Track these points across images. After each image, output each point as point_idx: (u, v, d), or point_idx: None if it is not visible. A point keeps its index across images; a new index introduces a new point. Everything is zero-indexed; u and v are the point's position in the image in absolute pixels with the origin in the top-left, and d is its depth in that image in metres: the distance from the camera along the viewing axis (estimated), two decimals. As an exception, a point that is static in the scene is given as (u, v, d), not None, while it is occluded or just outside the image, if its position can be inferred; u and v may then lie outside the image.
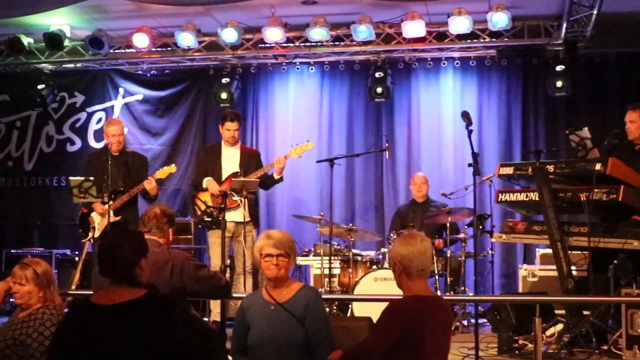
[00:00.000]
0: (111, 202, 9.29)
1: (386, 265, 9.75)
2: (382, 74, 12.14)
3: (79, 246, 10.17)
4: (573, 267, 8.02)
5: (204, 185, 9.78)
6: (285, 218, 12.60)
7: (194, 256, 11.18)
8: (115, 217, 9.40)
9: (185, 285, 5.94)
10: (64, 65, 13.23)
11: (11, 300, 6.06)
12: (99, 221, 9.67)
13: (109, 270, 4.32)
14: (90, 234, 9.70)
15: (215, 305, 9.42)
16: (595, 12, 10.19)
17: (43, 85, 13.03)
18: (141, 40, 12.13)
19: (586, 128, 8.25)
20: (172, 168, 10.07)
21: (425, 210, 10.78)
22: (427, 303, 4.99)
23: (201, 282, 6.07)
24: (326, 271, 10.07)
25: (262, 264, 5.45)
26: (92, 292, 6.09)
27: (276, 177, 9.86)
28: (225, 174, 9.75)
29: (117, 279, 4.30)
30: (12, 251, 11.99)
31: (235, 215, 9.42)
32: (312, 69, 12.95)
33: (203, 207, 9.58)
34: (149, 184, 9.62)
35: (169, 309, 4.27)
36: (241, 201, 9.20)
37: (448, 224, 10.10)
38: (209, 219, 9.37)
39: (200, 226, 10.65)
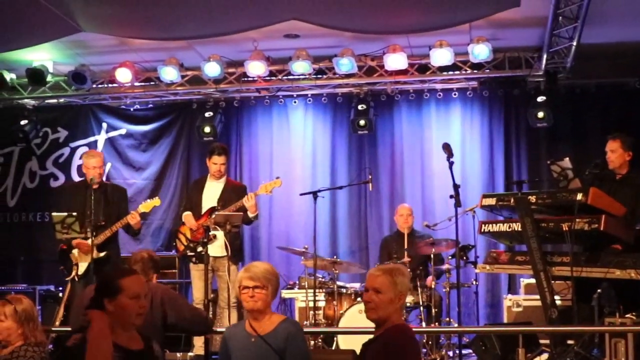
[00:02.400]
0: (93, 238, 9.22)
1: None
2: (364, 107, 12.19)
3: (62, 282, 10.09)
4: (557, 297, 8.04)
5: (182, 220, 9.80)
6: (269, 252, 12.58)
7: (178, 291, 11.27)
8: (99, 253, 9.31)
9: (166, 316, 5.94)
10: (46, 101, 13.22)
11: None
12: (82, 258, 9.46)
13: None
14: (73, 272, 9.52)
15: (197, 339, 9.38)
16: (574, 43, 10.28)
17: (26, 121, 13.02)
18: (124, 75, 12.15)
19: (567, 158, 8.30)
20: (156, 201, 9.97)
21: (410, 242, 10.76)
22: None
23: (182, 312, 6.06)
24: (311, 304, 10.05)
25: (241, 296, 5.48)
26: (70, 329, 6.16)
27: (250, 215, 9.73)
28: (205, 207, 9.74)
29: None
30: (-5, 288, 11.92)
31: (213, 250, 9.35)
32: (295, 102, 12.98)
33: (185, 242, 9.58)
34: (133, 219, 9.48)
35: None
36: (214, 236, 9.15)
37: (432, 255, 10.09)
38: (192, 253, 9.37)
39: (183, 261, 10.61)
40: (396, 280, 5.07)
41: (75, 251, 9.47)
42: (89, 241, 9.21)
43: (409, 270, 9.72)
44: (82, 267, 9.43)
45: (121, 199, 9.90)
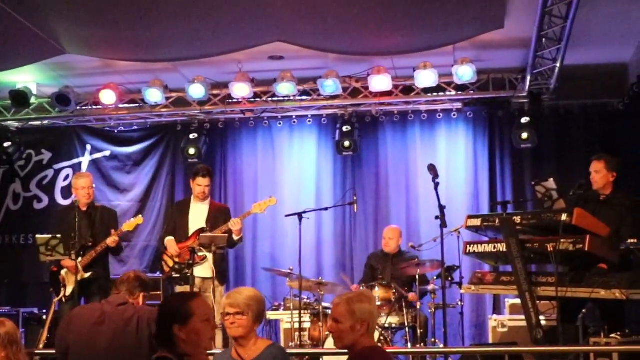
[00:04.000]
0: (80, 259, 9.21)
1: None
2: (349, 128, 12.22)
3: (46, 305, 10.05)
4: (542, 317, 8.03)
5: (165, 244, 9.77)
6: (254, 273, 12.58)
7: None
8: (85, 273, 9.31)
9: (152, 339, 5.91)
10: (30, 123, 13.20)
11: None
12: (70, 279, 9.46)
13: None
14: (62, 293, 9.54)
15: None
16: (558, 64, 10.34)
17: (9, 143, 13.01)
18: (108, 97, 12.14)
19: (552, 179, 8.30)
20: (139, 219, 9.96)
21: (395, 263, 10.76)
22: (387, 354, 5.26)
23: None
24: (296, 325, 10.02)
25: (225, 322, 5.47)
26: (54, 352, 6.13)
27: (235, 238, 9.71)
28: (192, 229, 9.72)
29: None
30: (-21, 311, 11.83)
31: (201, 271, 9.37)
32: (280, 124, 12.98)
33: (171, 264, 9.55)
34: (112, 242, 9.45)
35: None
36: (205, 257, 9.16)
37: (417, 276, 10.09)
38: (177, 275, 9.34)
39: (169, 282, 10.57)
40: (354, 308, 5.03)
41: (64, 272, 9.47)
42: (77, 261, 9.21)
43: (393, 291, 9.83)
44: (70, 289, 9.43)
45: (110, 220, 9.90)
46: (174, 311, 4.37)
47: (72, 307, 9.13)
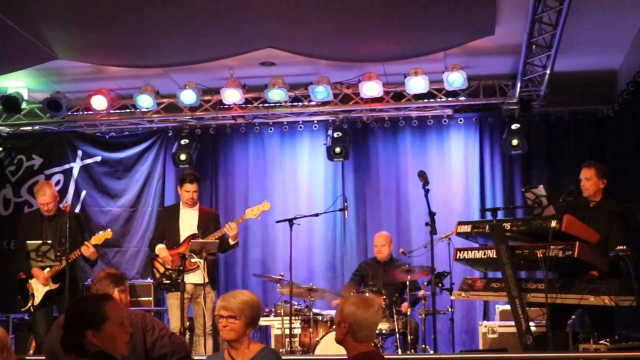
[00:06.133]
0: (48, 269, 9.15)
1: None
2: (340, 134, 12.22)
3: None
4: (531, 323, 8.05)
5: (156, 252, 9.76)
6: (245, 279, 12.57)
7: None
8: (53, 284, 9.25)
9: (146, 343, 5.88)
10: (21, 128, 13.18)
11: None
12: (39, 288, 9.43)
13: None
14: (30, 302, 9.48)
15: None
16: (548, 71, 10.36)
17: (0, 148, 12.95)
18: (99, 102, 12.11)
19: (542, 186, 8.33)
20: (108, 233, 9.82)
21: (386, 269, 10.78)
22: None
23: (163, 338, 5.99)
24: (287, 331, 10.03)
25: (218, 325, 5.51)
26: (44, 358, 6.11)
27: (231, 242, 9.80)
28: (183, 235, 9.72)
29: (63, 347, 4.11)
30: (-32, 316, 11.80)
31: (193, 277, 9.38)
32: (271, 130, 13.00)
33: (162, 270, 9.53)
34: (87, 250, 9.38)
35: None
36: (200, 262, 9.16)
37: (408, 282, 10.10)
38: (168, 281, 9.31)
39: (159, 288, 10.55)
40: (342, 307, 5.09)
41: (32, 281, 9.43)
42: (46, 271, 9.18)
43: (384, 297, 9.84)
44: (39, 297, 9.40)
45: (78, 227, 9.79)
46: (87, 315, 4.09)
47: (45, 315, 9.14)
